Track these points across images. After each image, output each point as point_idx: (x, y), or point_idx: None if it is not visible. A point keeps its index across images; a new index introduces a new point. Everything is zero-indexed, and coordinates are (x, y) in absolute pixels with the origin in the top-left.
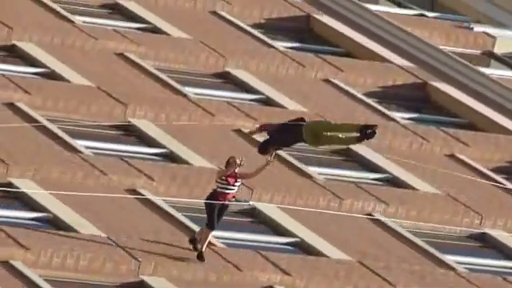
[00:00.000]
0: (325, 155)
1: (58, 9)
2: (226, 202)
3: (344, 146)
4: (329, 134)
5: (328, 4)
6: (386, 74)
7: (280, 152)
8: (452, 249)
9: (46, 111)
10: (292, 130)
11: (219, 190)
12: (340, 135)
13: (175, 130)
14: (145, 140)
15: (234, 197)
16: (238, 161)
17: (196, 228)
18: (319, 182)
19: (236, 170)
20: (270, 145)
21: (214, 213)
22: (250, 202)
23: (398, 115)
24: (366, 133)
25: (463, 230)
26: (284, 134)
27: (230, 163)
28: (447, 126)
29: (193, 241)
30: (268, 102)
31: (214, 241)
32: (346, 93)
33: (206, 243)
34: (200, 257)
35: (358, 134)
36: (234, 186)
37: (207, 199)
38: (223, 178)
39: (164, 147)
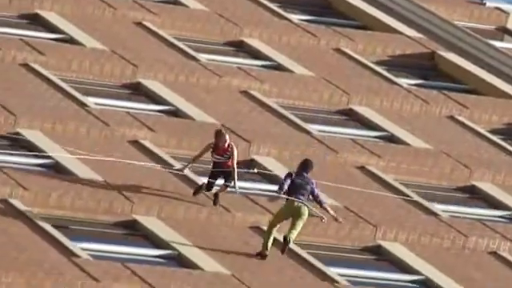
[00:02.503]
0: (450, 193)
1: (183, 47)
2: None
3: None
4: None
5: (453, 41)
6: (511, 111)
7: (404, 190)
8: None
9: (170, 149)
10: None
11: (213, 159)
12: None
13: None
14: (269, 178)
15: (229, 165)
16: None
17: (319, 265)
18: (444, 219)
19: (226, 144)
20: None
21: (210, 178)
22: (255, 170)
23: None
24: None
25: None
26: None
27: (219, 135)
28: None
29: (196, 190)
30: (392, 139)
31: (339, 279)
32: (471, 130)
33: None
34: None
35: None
36: (222, 156)
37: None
38: (212, 151)
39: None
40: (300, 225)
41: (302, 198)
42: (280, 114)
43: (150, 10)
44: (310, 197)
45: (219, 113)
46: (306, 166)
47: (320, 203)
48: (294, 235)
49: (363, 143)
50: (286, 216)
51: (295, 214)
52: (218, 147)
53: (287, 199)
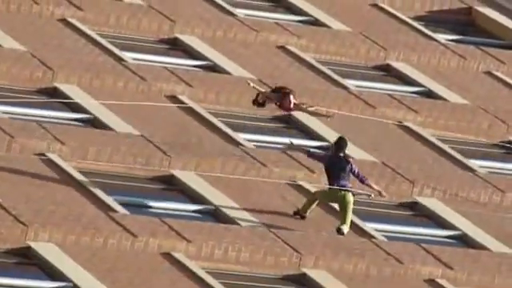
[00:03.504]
0: (487, 148)
1: (220, 2)
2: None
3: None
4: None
5: None
6: None
7: (442, 145)
8: None
9: (207, 104)
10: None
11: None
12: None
13: (337, 122)
14: (307, 133)
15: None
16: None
17: (359, 221)
18: (481, 175)
19: (291, 105)
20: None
21: None
22: (315, 108)
23: None
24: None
25: None
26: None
27: (283, 96)
28: None
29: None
30: (429, 94)
31: (376, 235)
32: (508, 85)
33: None
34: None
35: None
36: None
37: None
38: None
39: (325, 140)
40: (349, 214)
41: (343, 183)
42: (317, 70)
43: None
44: (351, 176)
45: (256, 68)
46: (340, 145)
47: (362, 181)
48: (346, 227)
49: (400, 99)
50: (330, 201)
51: (341, 204)
52: (282, 106)
53: (330, 185)
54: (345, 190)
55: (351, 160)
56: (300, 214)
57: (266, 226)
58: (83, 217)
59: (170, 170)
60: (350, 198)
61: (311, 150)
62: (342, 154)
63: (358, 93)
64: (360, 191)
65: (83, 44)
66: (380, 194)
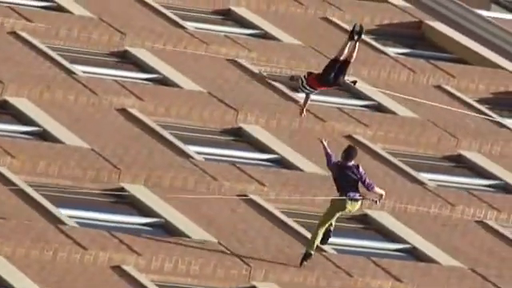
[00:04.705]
0: (436, 162)
1: (170, 15)
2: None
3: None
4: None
5: (440, 10)
6: (498, 80)
7: (391, 159)
8: None
9: (157, 117)
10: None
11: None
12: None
13: (286, 135)
14: (256, 146)
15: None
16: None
17: (307, 235)
18: (430, 188)
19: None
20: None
21: None
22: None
23: (510, 122)
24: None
25: None
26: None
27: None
28: None
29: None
30: (380, 108)
31: (325, 248)
32: (458, 99)
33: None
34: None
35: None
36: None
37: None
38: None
39: (275, 153)
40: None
41: (352, 194)
42: (268, 83)
43: None
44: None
45: (206, 81)
46: (349, 154)
47: (368, 188)
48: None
49: (350, 112)
50: (338, 212)
51: (344, 212)
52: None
53: (340, 195)
54: (354, 200)
55: (361, 170)
56: (305, 254)
57: (215, 238)
58: (32, 230)
59: (120, 183)
60: (356, 208)
61: (331, 155)
62: (351, 164)
63: (308, 106)
64: (367, 197)
65: (33, 57)
66: (381, 197)
